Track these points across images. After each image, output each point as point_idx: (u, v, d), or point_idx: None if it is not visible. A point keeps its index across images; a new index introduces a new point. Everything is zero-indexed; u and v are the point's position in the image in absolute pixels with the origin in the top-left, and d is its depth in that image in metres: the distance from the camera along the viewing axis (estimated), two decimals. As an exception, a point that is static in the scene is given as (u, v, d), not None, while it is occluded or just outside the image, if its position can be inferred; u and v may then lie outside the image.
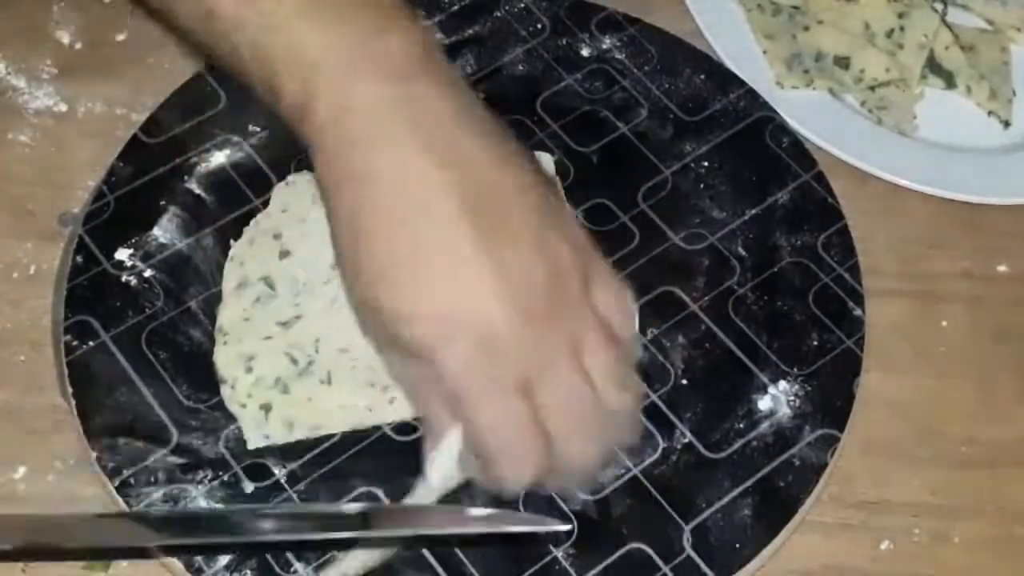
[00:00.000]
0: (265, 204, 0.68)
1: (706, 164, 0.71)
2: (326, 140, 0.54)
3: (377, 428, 0.62)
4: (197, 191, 0.69)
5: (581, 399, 0.54)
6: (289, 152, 0.69)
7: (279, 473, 0.61)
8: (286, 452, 0.62)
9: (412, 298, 0.53)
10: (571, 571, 0.59)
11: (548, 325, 0.54)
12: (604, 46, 0.75)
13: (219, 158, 0.70)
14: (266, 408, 0.62)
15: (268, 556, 0.59)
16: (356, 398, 0.62)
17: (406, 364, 0.56)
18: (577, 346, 0.54)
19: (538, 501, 0.61)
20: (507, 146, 0.56)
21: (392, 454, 0.62)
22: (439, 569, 0.59)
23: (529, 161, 0.57)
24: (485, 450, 0.54)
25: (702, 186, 0.71)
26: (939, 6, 0.79)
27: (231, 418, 0.62)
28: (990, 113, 0.77)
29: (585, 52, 0.75)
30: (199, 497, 0.60)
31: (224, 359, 0.63)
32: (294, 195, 0.68)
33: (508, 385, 0.53)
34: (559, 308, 0.54)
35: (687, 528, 0.61)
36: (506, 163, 0.55)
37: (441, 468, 0.56)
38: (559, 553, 0.60)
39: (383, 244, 0.54)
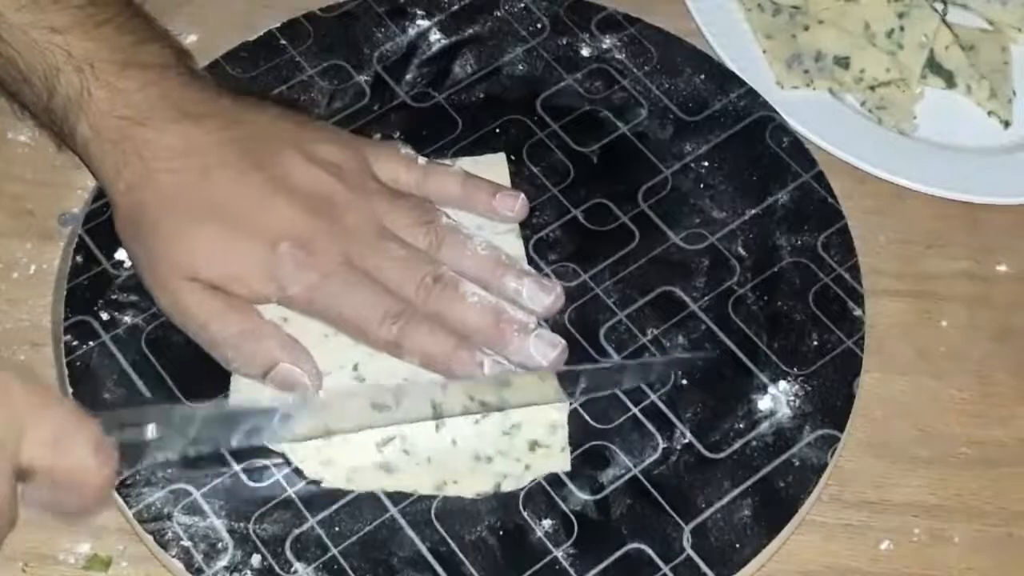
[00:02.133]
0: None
1: (706, 164, 0.71)
2: (107, 124, 0.63)
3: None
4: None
5: (398, 257, 0.63)
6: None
7: (279, 474, 0.61)
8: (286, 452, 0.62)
9: (224, 237, 0.62)
10: (571, 571, 0.59)
11: (342, 213, 0.63)
12: (604, 46, 0.75)
13: (219, 158, 0.70)
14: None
15: (268, 556, 0.59)
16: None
17: (226, 313, 0.62)
18: (377, 218, 0.63)
19: (538, 501, 0.61)
20: (258, 103, 0.66)
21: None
22: (439, 569, 0.59)
23: (274, 106, 0.67)
24: (346, 321, 0.62)
25: (702, 186, 0.71)
26: (939, 6, 0.79)
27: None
28: (990, 113, 0.77)
29: (585, 52, 0.75)
30: (199, 497, 0.60)
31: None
32: None
33: (337, 263, 0.62)
34: (347, 197, 0.63)
35: (687, 528, 0.61)
36: (261, 111, 0.66)
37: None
38: (559, 553, 0.60)
39: (177, 208, 0.62)
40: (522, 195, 0.67)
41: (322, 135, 0.66)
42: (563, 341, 0.63)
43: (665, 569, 0.60)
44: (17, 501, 0.50)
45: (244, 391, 0.62)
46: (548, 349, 0.63)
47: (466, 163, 0.69)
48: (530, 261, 0.67)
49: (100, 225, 0.67)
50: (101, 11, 0.65)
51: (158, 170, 0.63)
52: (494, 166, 0.69)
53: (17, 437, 0.50)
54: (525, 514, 0.61)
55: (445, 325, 0.62)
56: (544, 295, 0.64)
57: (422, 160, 0.67)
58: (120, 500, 0.60)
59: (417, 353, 0.62)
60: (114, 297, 0.65)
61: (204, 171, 0.63)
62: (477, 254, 0.64)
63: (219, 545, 0.59)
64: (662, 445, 0.63)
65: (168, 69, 0.65)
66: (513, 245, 0.67)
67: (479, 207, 0.67)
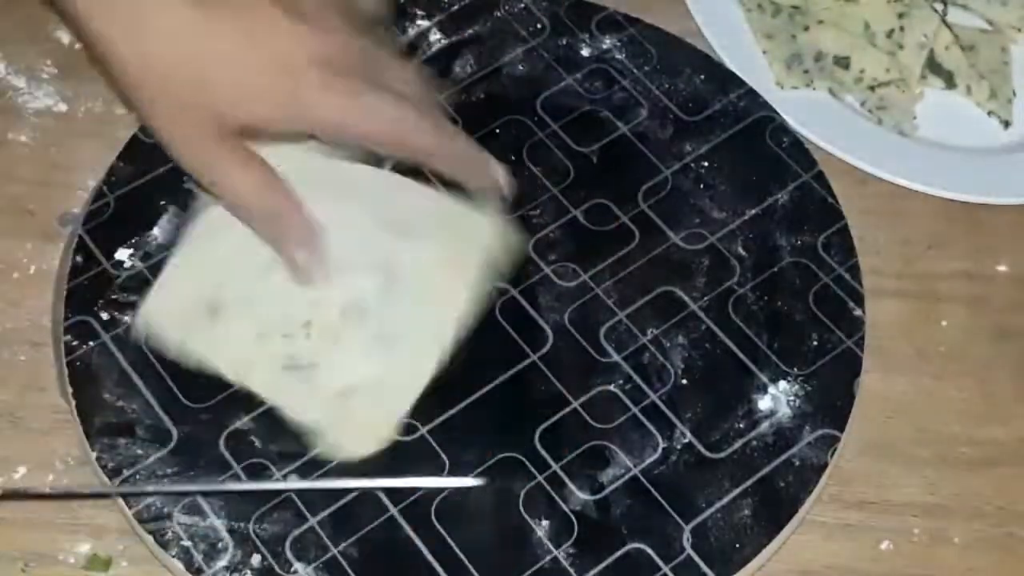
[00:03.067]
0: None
1: (706, 164, 0.71)
2: None
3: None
4: (197, 191, 0.68)
5: (411, 71, 0.65)
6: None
7: (279, 474, 0.61)
8: (286, 452, 0.62)
9: (245, 78, 0.60)
10: (571, 571, 0.59)
11: (353, 35, 0.62)
12: (604, 46, 0.75)
13: (219, 158, 0.70)
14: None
15: (268, 556, 0.59)
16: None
17: (263, 186, 0.61)
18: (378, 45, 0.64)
19: (538, 501, 0.61)
20: None
21: (392, 454, 0.62)
22: (439, 569, 0.59)
23: None
24: (383, 134, 0.62)
25: (702, 186, 0.71)
26: (939, 6, 0.79)
27: (231, 418, 0.62)
28: (990, 113, 0.77)
29: (585, 52, 0.75)
30: (199, 497, 0.60)
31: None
32: None
33: (359, 82, 0.61)
34: (354, 22, 0.63)
35: (687, 528, 0.61)
36: None
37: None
38: (559, 553, 0.60)
39: (193, 57, 0.60)
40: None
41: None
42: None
43: (665, 569, 0.60)
44: None
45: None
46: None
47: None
48: (530, 261, 0.68)
49: (100, 225, 0.67)
50: None
51: (165, 24, 0.60)
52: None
53: None
54: (525, 514, 0.61)
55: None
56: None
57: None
58: (120, 500, 0.60)
59: (453, 157, 0.64)
60: (114, 297, 0.65)
61: (211, 15, 0.60)
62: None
63: (219, 545, 0.59)
64: (662, 445, 0.63)
65: None
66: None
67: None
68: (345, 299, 0.63)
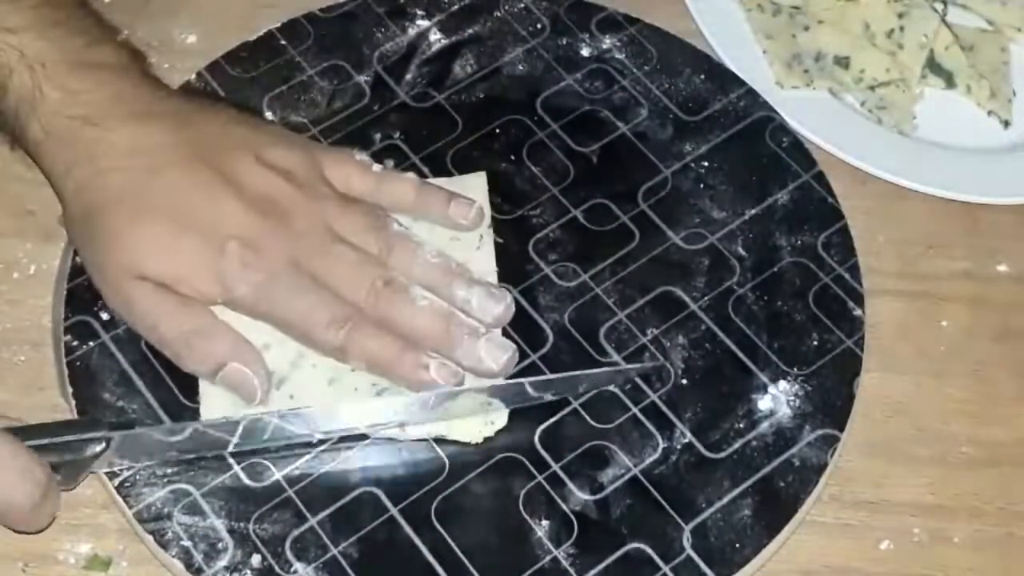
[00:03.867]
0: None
1: (706, 164, 0.71)
2: (58, 124, 0.63)
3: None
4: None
5: (348, 261, 0.62)
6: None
7: (279, 474, 0.61)
8: (286, 452, 0.62)
9: (170, 234, 0.62)
10: (571, 571, 0.59)
11: (292, 216, 0.62)
12: (604, 46, 0.75)
13: (219, 158, 0.70)
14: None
15: (268, 556, 0.59)
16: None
17: (177, 311, 0.62)
18: (327, 222, 0.63)
19: (538, 501, 0.61)
20: (212, 105, 0.67)
21: (392, 454, 0.62)
22: (439, 569, 0.59)
23: (228, 108, 0.67)
24: (292, 324, 0.62)
25: (702, 186, 0.71)
26: (939, 6, 0.79)
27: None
28: (990, 113, 0.77)
29: (585, 52, 0.75)
30: (199, 497, 0.60)
31: None
32: None
33: (284, 265, 0.61)
34: (297, 201, 0.63)
35: (687, 528, 0.61)
36: (215, 114, 0.66)
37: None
38: (559, 553, 0.60)
39: (125, 206, 0.62)
40: (477, 203, 0.66)
41: (274, 138, 0.66)
42: (513, 346, 0.63)
43: (665, 569, 0.60)
44: None
45: (212, 396, 0.62)
46: (499, 352, 0.62)
47: (445, 182, 0.68)
48: (530, 261, 0.68)
49: (100, 225, 0.67)
50: (55, 12, 0.65)
51: (107, 169, 0.62)
52: (473, 187, 0.68)
53: None
54: (525, 514, 0.61)
55: (393, 330, 0.62)
56: (493, 304, 0.63)
57: (377, 167, 0.66)
58: (120, 500, 0.60)
59: (363, 357, 0.61)
60: (114, 297, 0.65)
61: (153, 170, 0.62)
62: (427, 261, 0.63)
63: (219, 545, 0.59)
64: (662, 445, 0.63)
65: (121, 70, 0.65)
66: (484, 261, 0.66)
67: (433, 213, 0.66)
68: None
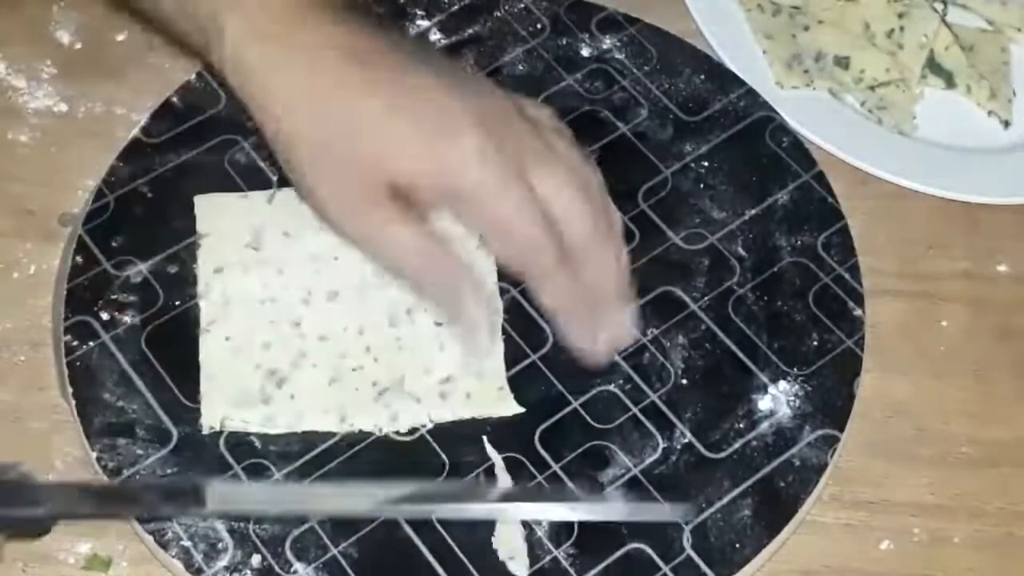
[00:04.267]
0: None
1: (706, 164, 0.71)
2: (261, 26, 0.58)
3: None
4: (197, 191, 0.69)
5: (572, 178, 0.59)
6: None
7: (279, 474, 0.61)
8: (286, 452, 0.62)
9: (412, 131, 0.57)
10: (571, 571, 0.59)
11: (522, 128, 0.59)
12: (604, 46, 0.75)
13: (219, 158, 0.70)
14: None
15: (268, 556, 0.59)
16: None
17: (386, 219, 0.58)
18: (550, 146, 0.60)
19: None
20: (414, 50, 0.62)
21: (392, 454, 0.62)
22: (439, 569, 0.59)
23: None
24: (509, 243, 0.58)
25: (702, 186, 0.71)
26: (939, 6, 0.79)
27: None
28: (990, 113, 0.77)
29: (585, 52, 0.75)
30: (199, 497, 0.60)
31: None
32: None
33: (514, 172, 0.57)
34: (525, 124, 0.60)
35: (687, 528, 0.61)
36: (424, 60, 0.60)
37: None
38: (559, 553, 0.60)
39: (364, 97, 0.58)
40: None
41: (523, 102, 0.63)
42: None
43: (665, 569, 0.60)
44: None
45: (213, 396, 0.62)
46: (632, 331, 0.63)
47: None
48: (530, 261, 0.68)
49: (100, 225, 0.67)
50: None
51: (316, 69, 0.58)
52: None
53: None
54: (525, 514, 0.61)
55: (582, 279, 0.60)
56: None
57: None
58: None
59: (556, 299, 0.60)
60: (114, 297, 0.65)
61: (368, 64, 0.58)
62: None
63: (219, 545, 0.59)
64: (662, 445, 0.63)
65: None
66: (484, 260, 0.66)
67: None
68: (386, 307, 0.64)
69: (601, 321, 0.61)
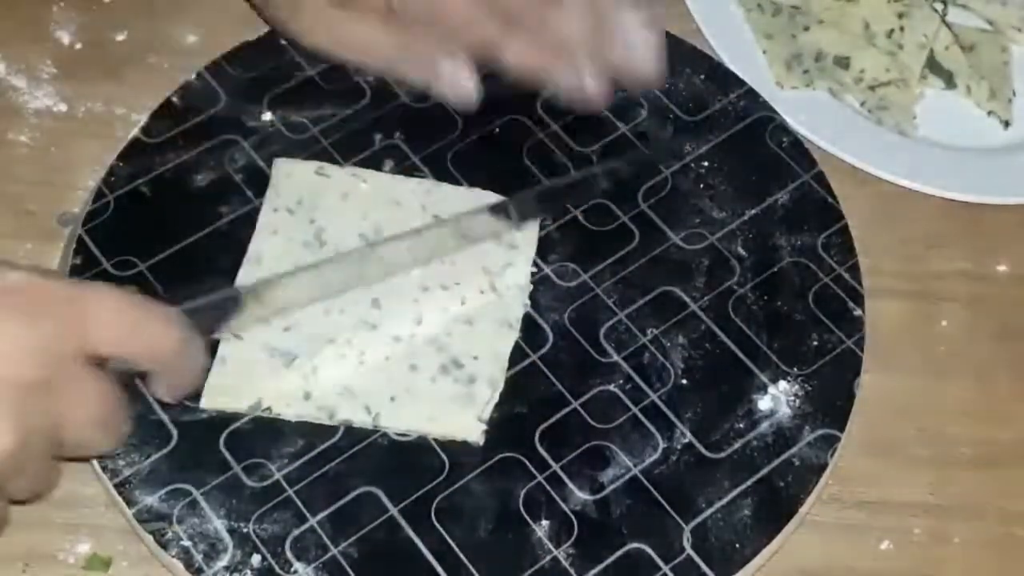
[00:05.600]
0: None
1: (706, 164, 0.71)
2: None
3: (376, 429, 0.62)
4: (197, 191, 0.69)
5: None
6: (289, 153, 0.69)
7: (279, 474, 0.61)
8: (286, 452, 0.62)
9: None
10: (571, 571, 0.59)
11: None
12: (604, 46, 0.75)
13: (219, 158, 0.70)
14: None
15: (268, 556, 0.59)
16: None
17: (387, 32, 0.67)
18: None
19: (538, 501, 0.61)
20: None
21: (392, 454, 0.62)
22: (439, 569, 0.59)
23: None
24: (451, 25, 0.66)
25: (702, 186, 0.71)
26: (939, 6, 0.79)
27: (231, 418, 0.62)
28: (990, 113, 0.77)
29: (585, 52, 0.75)
30: (199, 497, 0.60)
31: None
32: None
33: None
34: None
35: (687, 528, 0.61)
36: None
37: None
38: (559, 553, 0.60)
39: None
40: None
41: None
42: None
43: (665, 569, 0.60)
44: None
45: (214, 391, 0.62)
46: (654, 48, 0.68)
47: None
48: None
49: (100, 225, 0.67)
50: None
51: None
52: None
53: (67, 333, 0.53)
54: (525, 514, 0.61)
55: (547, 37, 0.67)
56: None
57: None
58: (120, 500, 0.60)
59: (518, 58, 0.67)
60: (114, 297, 0.65)
61: None
62: None
63: (219, 545, 0.59)
64: (662, 445, 0.63)
65: None
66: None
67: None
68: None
69: (579, 64, 0.67)
